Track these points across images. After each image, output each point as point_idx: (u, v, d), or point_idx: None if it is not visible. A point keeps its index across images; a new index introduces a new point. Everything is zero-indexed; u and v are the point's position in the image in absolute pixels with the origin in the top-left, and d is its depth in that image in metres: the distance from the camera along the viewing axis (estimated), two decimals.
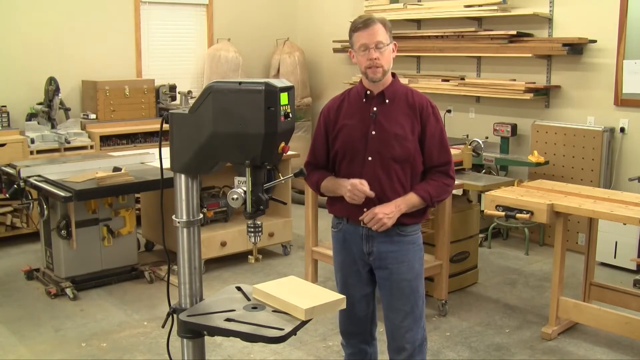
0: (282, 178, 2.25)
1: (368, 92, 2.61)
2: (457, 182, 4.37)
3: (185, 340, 2.15)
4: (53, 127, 5.98)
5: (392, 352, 2.71)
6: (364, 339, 2.80)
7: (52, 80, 5.93)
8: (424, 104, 2.61)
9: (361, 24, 2.53)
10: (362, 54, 2.53)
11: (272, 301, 2.18)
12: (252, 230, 2.17)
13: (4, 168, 4.68)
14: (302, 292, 2.25)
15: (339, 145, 2.63)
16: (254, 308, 2.14)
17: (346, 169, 2.63)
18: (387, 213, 2.52)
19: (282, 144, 2.07)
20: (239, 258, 5.12)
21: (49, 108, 5.97)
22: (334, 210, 2.72)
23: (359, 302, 2.71)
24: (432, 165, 2.62)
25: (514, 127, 5.86)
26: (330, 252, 4.45)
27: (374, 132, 2.57)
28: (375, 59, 2.51)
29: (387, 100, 2.59)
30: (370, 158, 2.57)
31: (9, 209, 5.61)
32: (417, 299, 2.65)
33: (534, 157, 5.50)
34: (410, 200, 2.57)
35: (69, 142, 5.83)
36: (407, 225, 2.62)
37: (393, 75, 2.64)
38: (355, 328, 2.78)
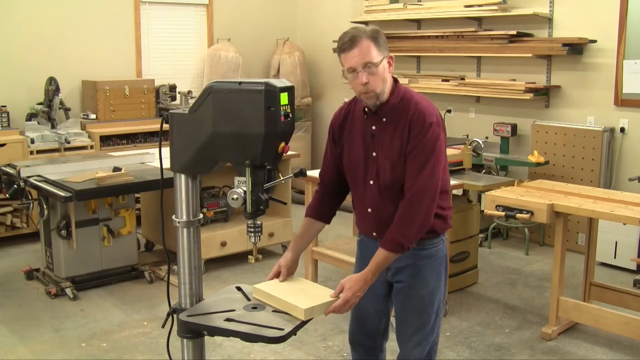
0: (282, 178, 2.24)
1: (366, 109, 2.39)
2: (457, 182, 4.40)
3: (185, 340, 2.15)
4: (53, 127, 5.98)
5: None
6: (372, 351, 2.71)
7: (52, 80, 5.93)
8: (416, 117, 2.29)
9: (347, 44, 2.26)
10: (351, 76, 2.28)
11: (272, 301, 2.18)
12: (252, 230, 2.17)
13: (4, 168, 4.68)
14: (302, 292, 2.25)
15: (343, 164, 2.49)
16: (254, 308, 2.14)
17: (353, 190, 2.51)
18: (359, 295, 2.26)
19: (282, 144, 2.07)
20: (239, 258, 5.12)
21: (49, 108, 5.97)
22: (356, 222, 2.63)
23: (372, 317, 2.63)
24: (404, 189, 2.30)
25: (514, 127, 5.85)
26: (330, 252, 4.48)
27: (374, 154, 2.37)
28: (366, 83, 2.25)
29: (384, 119, 2.36)
30: (372, 182, 2.41)
31: (9, 209, 5.61)
32: (430, 315, 2.52)
33: (534, 157, 5.50)
34: (379, 263, 2.28)
35: (69, 142, 5.83)
36: (425, 240, 2.40)
37: (396, 81, 2.39)
38: (364, 340, 2.69)
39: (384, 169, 2.36)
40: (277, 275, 2.39)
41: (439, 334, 2.63)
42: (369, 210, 2.45)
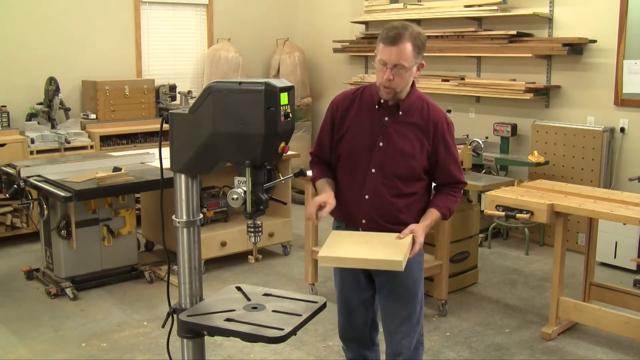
0: (282, 178, 2.26)
1: (382, 100, 2.47)
2: None
3: (185, 340, 2.15)
4: (53, 127, 5.98)
5: (389, 356, 2.67)
6: (364, 344, 2.75)
7: (52, 80, 5.93)
8: (440, 121, 2.48)
9: (390, 39, 2.32)
10: (380, 68, 2.38)
11: (351, 263, 2.19)
12: (252, 230, 2.17)
13: (4, 168, 4.68)
14: (377, 245, 2.25)
15: (342, 150, 2.54)
16: (254, 308, 2.14)
17: (348, 177, 2.54)
18: (422, 239, 2.44)
19: (282, 144, 2.07)
20: (239, 258, 5.12)
21: (49, 108, 5.97)
22: (334, 214, 2.63)
23: (358, 308, 2.66)
24: (449, 182, 2.57)
25: (514, 127, 5.86)
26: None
27: (381, 144, 2.47)
28: (389, 80, 2.36)
29: (400, 113, 2.47)
30: (373, 170, 2.48)
31: (9, 209, 5.61)
32: (416, 305, 2.59)
33: (534, 157, 5.50)
34: (434, 220, 2.51)
35: (69, 142, 5.83)
36: None
37: (412, 83, 2.50)
38: (354, 333, 2.73)
39: (394, 159, 2.46)
40: (319, 209, 2.42)
41: (423, 326, 2.70)
42: (367, 197, 2.50)
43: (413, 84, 2.50)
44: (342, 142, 2.54)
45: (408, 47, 2.32)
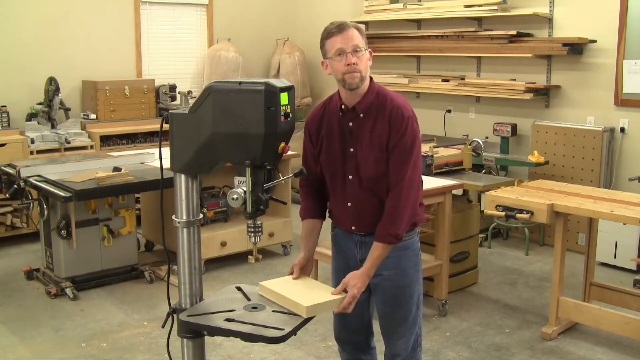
0: (282, 178, 2.25)
1: (343, 106, 2.47)
2: (457, 182, 4.40)
3: (185, 340, 2.15)
4: (53, 127, 5.98)
5: (387, 357, 2.67)
6: (360, 347, 2.74)
7: (52, 80, 5.93)
8: (394, 113, 2.40)
9: (335, 29, 2.38)
10: (338, 59, 2.37)
11: (275, 298, 2.19)
12: (252, 230, 2.17)
13: (4, 168, 4.68)
14: (306, 290, 2.26)
15: (322, 161, 2.54)
16: (254, 308, 2.15)
17: (331, 185, 2.54)
18: (362, 290, 2.33)
19: (282, 144, 2.07)
20: (239, 258, 5.12)
21: (49, 108, 5.97)
22: (330, 215, 2.65)
23: (353, 310, 2.58)
24: (389, 183, 2.42)
25: (514, 127, 5.86)
26: (329, 252, 4.47)
27: (352, 150, 2.45)
28: (354, 64, 2.35)
29: (361, 115, 2.44)
30: (350, 177, 2.47)
31: (9, 209, 5.61)
32: (411, 306, 2.58)
33: (534, 157, 5.50)
34: (379, 257, 2.38)
35: (69, 142, 5.83)
36: None
37: (371, 79, 2.48)
38: (349, 336, 2.72)
39: (364, 163, 2.44)
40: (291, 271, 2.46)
41: (422, 327, 2.68)
42: (349, 204, 2.51)
43: (371, 79, 2.49)
44: (322, 154, 2.54)
45: (355, 31, 2.39)
